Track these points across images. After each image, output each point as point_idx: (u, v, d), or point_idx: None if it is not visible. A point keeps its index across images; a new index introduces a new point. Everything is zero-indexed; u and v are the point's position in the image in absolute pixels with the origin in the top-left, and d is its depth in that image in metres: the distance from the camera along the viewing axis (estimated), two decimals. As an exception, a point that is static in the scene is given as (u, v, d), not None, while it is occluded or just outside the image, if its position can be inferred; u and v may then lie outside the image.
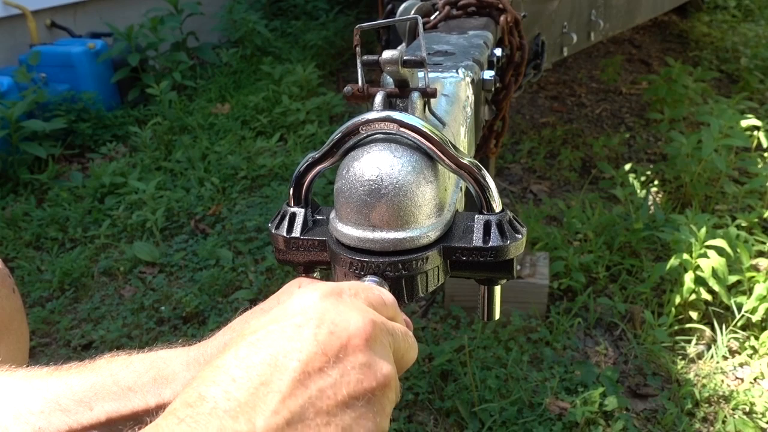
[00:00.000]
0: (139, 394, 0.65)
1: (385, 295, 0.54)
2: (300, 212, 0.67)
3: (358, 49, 0.65)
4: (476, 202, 0.64)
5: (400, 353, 0.50)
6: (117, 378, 0.65)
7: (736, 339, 2.06)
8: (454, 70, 0.93)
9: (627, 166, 2.99)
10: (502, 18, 1.31)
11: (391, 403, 0.46)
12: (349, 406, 0.43)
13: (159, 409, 0.65)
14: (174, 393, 0.65)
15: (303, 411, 0.42)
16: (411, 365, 0.54)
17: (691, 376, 1.94)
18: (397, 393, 0.49)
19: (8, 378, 0.66)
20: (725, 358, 2.00)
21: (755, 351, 2.02)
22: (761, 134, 2.87)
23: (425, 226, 0.61)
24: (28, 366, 0.69)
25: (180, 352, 0.69)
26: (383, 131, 0.61)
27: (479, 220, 0.64)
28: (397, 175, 0.59)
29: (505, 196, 2.89)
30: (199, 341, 0.71)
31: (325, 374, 0.43)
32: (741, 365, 1.99)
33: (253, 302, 2.25)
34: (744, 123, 2.86)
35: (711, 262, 2.04)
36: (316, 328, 0.45)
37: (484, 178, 0.63)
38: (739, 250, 2.13)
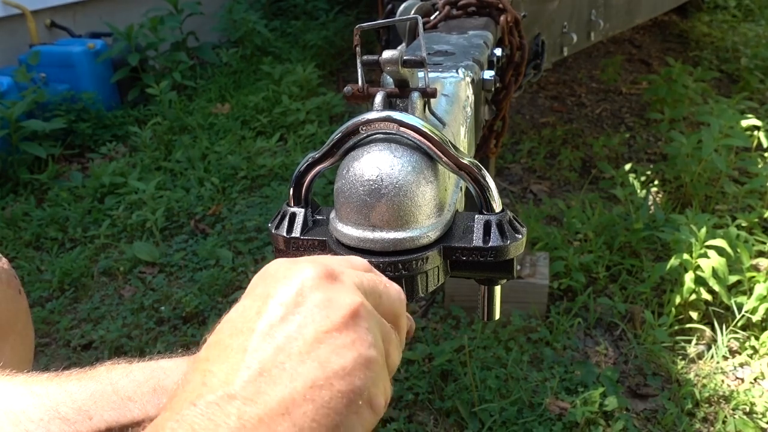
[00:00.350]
0: (139, 404, 0.65)
1: (353, 258, 0.55)
2: (300, 212, 0.67)
3: (358, 49, 0.65)
4: (476, 202, 0.64)
5: (374, 296, 0.50)
6: (117, 387, 0.65)
7: (737, 339, 2.06)
8: (454, 70, 0.93)
9: (627, 166, 2.99)
10: (502, 18, 1.31)
11: (371, 332, 0.46)
12: (321, 340, 0.43)
13: None
14: None
15: (274, 358, 0.42)
16: (399, 313, 0.53)
17: (691, 376, 1.93)
18: (386, 332, 0.49)
19: (8, 384, 0.65)
20: (725, 358, 2.00)
21: (755, 351, 2.02)
22: (761, 134, 2.87)
23: (425, 226, 0.61)
24: (32, 367, 0.69)
25: (180, 363, 0.68)
26: (383, 131, 0.61)
27: (479, 220, 0.63)
28: (397, 175, 0.59)
29: (505, 196, 2.89)
30: (198, 344, 0.70)
31: (287, 320, 0.44)
32: (741, 365, 1.99)
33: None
34: (744, 123, 2.86)
35: (711, 262, 2.04)
36: (270, 288, 0.46)
37: (484, 178, 0.63)
38: (739, 250, 2.13)
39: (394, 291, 0.53)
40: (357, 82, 0.67)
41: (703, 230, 2.11)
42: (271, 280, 0.47)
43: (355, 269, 0.52)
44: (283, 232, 0.67)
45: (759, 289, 2.05)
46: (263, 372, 0.42)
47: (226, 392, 0.41)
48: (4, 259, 0.90)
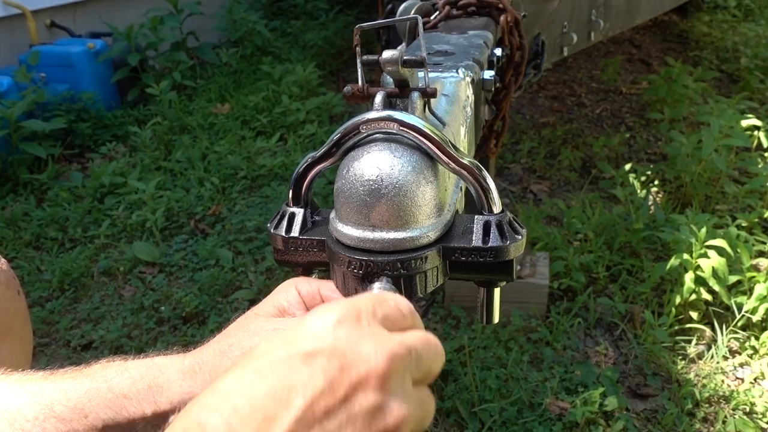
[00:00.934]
0: (135, 402, 0.64)
1: (401, 303, 0.50)
2: (299, 212, 0.67)
3: (358, 49, 0.65)
4: (476, 202, 0.64)
5: (425, 370, 0.47)
6: (112, 384, 0.65)
7: (737, 339, 2.06)
8: (454, 70, 0.93)
9: (627, 166, 2.99)
10: (502, 18, 1.31)
11: None
12: None
13: (156, 417, 0.64)
14: (169, 401, 0.64)
15: None
16: (437, 372, 0.50)
17: (691, 376, 1.93)
18: (425, 407, 0.46)
19: (3, 383, 0.65)
20: (725, 358, 2.00)
21: (755, 351, 2.02)
22: (761, 134, 2.87)
23: (425, 226, 0.61)
24: (31, 368, 0.68)
25: (175, 360, 0.68)
26: (383, 131, 0.61)
27: (479, 220, 0.63)
28: (397, 175, 0.59)
29: (505, 196, 2.89)
30: (197, 344, 0.70)
31: (331, 415, 0.40)
32: (741, 365, 1.99)
33: (253, 302, 2.24)
34: (744, 123, 2.86)
35: (711, 262, 2.04)
36: (326, 361, 0.41)
37: (485, 179, 0.63)
38: (739, 250, 2.13)
39: (437, 351, 0.49)
40: (357, 82, 0.66)
41: (703, 230, 2.11)
42: (332, 348, 0.42)
43: (404, 319, 0.48)
44: (282, 231, 0.67)
45: (759, 289, 2.05)
46: None
47: None
48: (3, 260, 0.90)
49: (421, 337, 0.47)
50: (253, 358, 0.43)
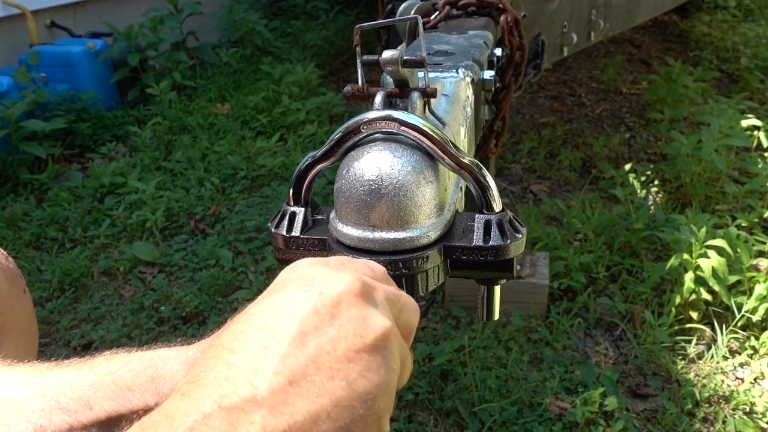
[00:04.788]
0: (138, 393, 0.65)
1: (373, 264, 0.54)
2: (300, 211, 0.67)
3: (358, 49, 0.65)
4: (476, 201, 0.64)
5: (395, 310, 0.50)
6: (115, 376, 0.66)
7: (737, 339, 2.06)
8: (454, 70, 0.93)
9: (627, 166, 2.99)
10: (502, 18, 1.31)
11: (395, 358, 0.45)
12: (352, 359, 0.43)
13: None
14: (171, 391, 0.65)
15: (304, 368, 0.41)
16: (414, 326, 0.53)
17: (691, 376, 1.93)
18: (405, 354, 0.49)
19: (9, 374, 0.66)
20: (725, 358, 2.00)
21: (755, 351, 2.02)
22: (761, 134, 2.87)
23: (425, 226, 0.61)
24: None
25: (178, 351, 0.69)
26: (383, 131, 0.61)
27: (479, 219, 0.64)
28: (397, 175, 0.59)
29: (505, 196, 2.89)
30: (199, 341, 0.71)
31: (321, 331, 0.43)
32: (741, 365, 1.99)
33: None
34: (744, 123, 2.86)
35: (711, 262, 2.04)
36: (305, 292, 0.45)
37: (485, 178, 0.63)
38: (739, 250, 2.13)
39: (412, 305, 0.53)
40: (357, 82, 0.67)
41: (703, 230, 2.11)
42: (306, 284, 0.46)
43: (378, 279, 0.52)
44: (283, 231, 0.67)
45: (759, 289, 2.05)
46: (292, 382, 0.41)
47: (253, 396, 0.39)
48: (10, 258, 0.91)
49: (389, 287, 0.52)
50: (241, 313, 0.47)
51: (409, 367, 0.51)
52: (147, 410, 0.64)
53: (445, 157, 0.61)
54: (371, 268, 0.53)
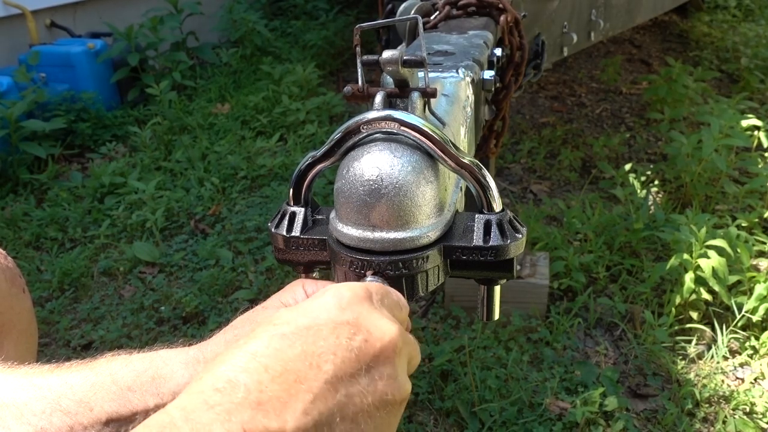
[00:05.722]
0: (138, 394, 0.65)
1: (400, 297, 0.55)
2: (300, 211, 0.67)
3: (358, 49, 0.65)
4: (476, 201, 0.64)
5: (412, 363, 0.52)
6: (116, 377, 0.66)
7: (737, 339, 2.06)
8: (454, 70, 0.93)
9: (627, 166, 2.99)
10: (502, 18, 1.31)
11: (398, 417, 0.47)
12: (372, 415, 0.43)
13: (157, 409, 0.65)
14: (171, 392, 0.65)
15: (331, 414, 0.41)
16: (415, 367, 0.54)
17: (691, 376, 1.93)
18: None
19: (9, 376, 0.66)
20: (725, 358, 2.00)
21: (756, 351, 2.02)
22: (761, 134, 2.87)
23: (425, 226, 0.61)
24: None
25: (180, 352, 0.69)
26: (383, 131, 0.61)
27: (479, 219, 0.64)
28: (397, 175, 0.59)
29: (505, 196, 2.89)
30: (199, 341, 0.71)
31: (355, 381, 0.43)
32: (741, 365, 1.99)
33: (253, 302, 2.24)
34: (744, 123, 2.86)
35: (711, 262, 2.04)
36: (351, 333, 0.45)
37: (485, 178, 0.63)
38: (739, 250, 2.13)
39: (417, 347, 0.55)
40: (357, 82, 0.67)
41: (703, 230, 2.11)
42: (353, 323, 0.46)
43: (404, 316, 0.54)
44: (283, 231, 0.67)
45: (759, 289, 2.05)
46: (317, 426, 0.41)
47: (279, 428, 0.40)
48: (9, 258, 0.91)
49: (411, 336, 0.53)
50: (277, 325, 0.46)
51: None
52: (147, 411, 0.64)
53: (445, 157, 0.61)
54: (399, 303, 0.55)
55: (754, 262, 2.35)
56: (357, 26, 0.66)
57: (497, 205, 0.64)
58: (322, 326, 0.45)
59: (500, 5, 1.32)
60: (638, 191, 2.77)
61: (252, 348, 0.43)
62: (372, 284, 0.53)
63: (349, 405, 0.42)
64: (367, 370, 0.44)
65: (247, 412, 0.39)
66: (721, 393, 1.86)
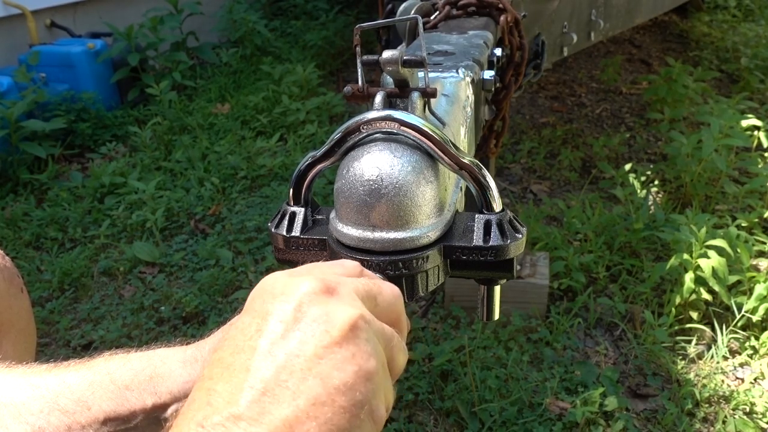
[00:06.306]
0: (136, 393, 0.65)
1: (344, 261, 0.56)
2: (300, 211, 0.67)
3: (358, 49, 0.65)
4: (476, 201, 0.64)
5: (370, 301, 0.50)
6: (114, 376, 0.66)
7: (737, 339, 2.06)
8: (454, 70, 0.93)
9: (627, 166, 2.99)
10: (502, 18, 1.31)
11: (371, 343, 0.46)
12: (322, 356, 0.43)
13: (155, 409, 0.65)
14: (169, 391, 0.66)
15: (276, 376, 0.42)
16: (398, 312, 0.53)
17: (691, 376, 1.93)
18: (388, 335, 0.49)
19: (7, 376, 0.66)
20: (725, 358, 2.00)
21: (755, 351, 2.02)
22: (761, 134, 2.87)
23: (425, 226, 0.61)
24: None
25: (177, 350, 0.69)
26: (383, 131, 0.61)
27: (479, 219, 0.63)
28: (397, 175, 0.59)
29: (505, 196, 2.89)
30: (198, 341, 0.71)
31: (287, 338, 0.44)
32: (741, 365, 1.99)
33: (253, 302, 2.24)
34: (744, 123, 2.86)
35: (711, 262, 2.04)
36: (268, 304, 0.47)
37: (485, 178, 0.63)
38: (739, 250, 2.13)
39: (390, 291, 0.53)
40: (357, 82, 0.66)
41: (703, 230, 2.11)
42: (269, 296, 0.47)
43: (348, 274, 0.52)
44: (283, 231, 0.67)
45: (759, 289, 2.05)
46: (266, 391, 0.42)
47: (232, 413, 0.41)
48: (7, 258, 0.91)
49: (363, 279, 0.52)
50: (222, 336, 0.50)
51: (401, 349, 0.51)
52: (144, 410, 0.64)
53: (445, 157, 0.61)
54: (341, 265, 0.54)
55: (754, 262, 2.35)
56: (357, 26, 0.66)
57: (497, 205, 0.64)
58: (245, 315, 0.48)
59: (500, 5, 1.32)
60: (638, 191, 2.77)
61: (203, 372, 0.46)
62: (307, 264, 0.55)
63: (291, 359, 0.43)
64: (296, 321, 0.45)
65: (199, 413, 0.42)
66: (721, 393, 1.87)
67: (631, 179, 2.85)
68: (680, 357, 2.01)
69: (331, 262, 0.56)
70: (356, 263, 0.56)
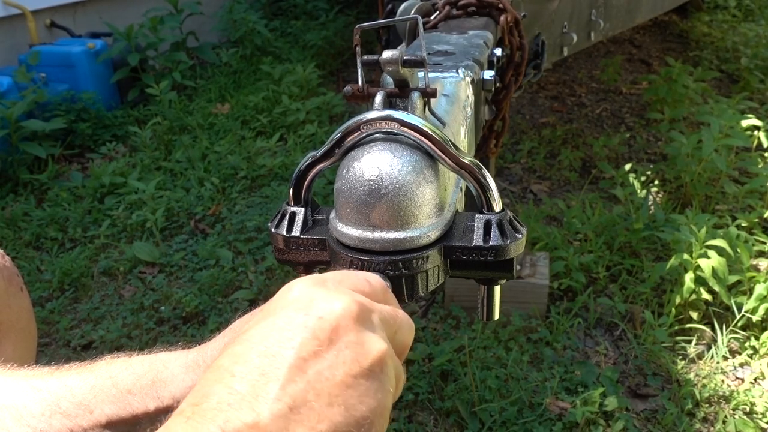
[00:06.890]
0: (138, 397, 0.65)
1: (372, 278, 0.55)
2: (300, 211, 0.67)
3: (358, 49, 0.65)
4: (476, 201, 0.64)
5: (391, 331, 0.51)
6: (116, 380, 0.66)
7: (737, 339, 2.06)
8: (454, 70, 0.93)
9: (627, 166, 2.99)
10: (502, 18, 1.31)
11: (391, 380, 0.46)
12: (350, 385, 0.43)
13: (158, 413, 0.65)
14: (171, 395, 0.65)
15: (304, 395, 0.42)
16: (409, 345, 0.54)
17: (691, 376, 1.93)
18: (399, 372, 0.49)
19: (9, 378, 0.66)
20: (725, 358, 2.00)
21: (755, 351, 2.02)
22: (761, 134, 2.87)
23: (425, 226, 0.61)
24: (34, 365, 0.69)
25: (179, 355, 0.69)
26: (383, 131, 0.61)
27: (479, 219, 0.63)
28: (397, 175, 0.59)
29: (505, 196, 2.89)
30: (199, 342, 0.71)
31: (320, 357, 0.44)
32: (741, 365, 1.99)
33: (253, 302, 2.25)
34: (744, 123, 2.86)
35: (711, 262, 2.04)
36: (305, 316, 0.46)
37: (485, 178, 0.63)
38: (739, 250, 2.13)
39: (408, 324, 0.53)
40: (357, 82, 0.66)
41: (703, 230, 2.11)
42: (305, 306, 0.47)
43: (376, 294, 0.52)
44: (283, 231, 0.67)
45: (759, 289, 2.05)
46: (293, 408, 0.41)
47: (255, 422, 0.40)
48: (6, 257, 0.91)
49: (386, 307, 0.52)
50: (241, 333, 0.47)
51: (402, 382, 0.51)
52: (147, 414, 0.64)
53: (445, 157, 0.61)
54: (369, 282, 0.54)
55: (754, 262, 2.35)
56: (357, 26, 0.66)
57: (497, 205, 0.64)
58: (278, 319, 0.46)
59: (500, 5, 1.32)
60: (638, 191, 2.77)
61: (220, 361, 0.45)
62: (330, 272, 0.53)
63: (320, 380, 0.43)
64: (330, 344, 0.44)
65: (221, 414, 0.41)
66: (721, 393, 1.87)
67: (631, 179, 2.85)
68: (680, 357, 2.01)
69: (361, 275, 0.55)
70: (383, 282, 0.56)
